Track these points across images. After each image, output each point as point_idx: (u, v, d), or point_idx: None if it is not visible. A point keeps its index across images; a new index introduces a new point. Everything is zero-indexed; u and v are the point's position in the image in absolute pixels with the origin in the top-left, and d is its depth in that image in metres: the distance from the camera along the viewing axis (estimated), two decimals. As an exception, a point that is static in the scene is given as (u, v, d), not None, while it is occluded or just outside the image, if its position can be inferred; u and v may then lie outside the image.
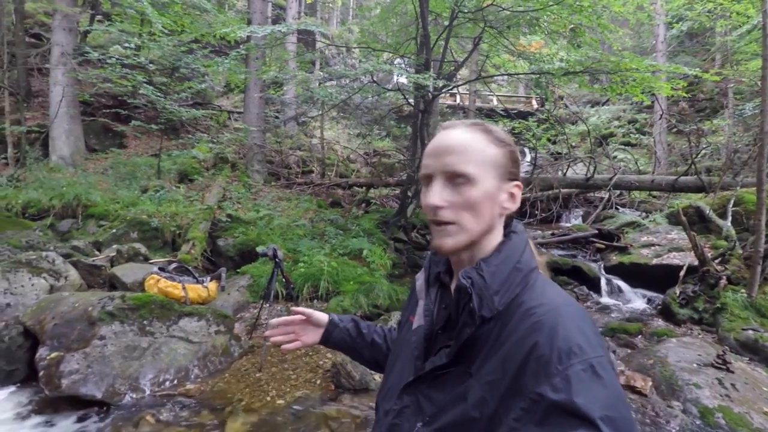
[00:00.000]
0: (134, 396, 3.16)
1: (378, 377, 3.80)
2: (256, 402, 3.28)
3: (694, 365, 3.71)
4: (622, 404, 0.61)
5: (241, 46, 8.07)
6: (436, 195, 0.75)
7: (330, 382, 3.63)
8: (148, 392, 3.23)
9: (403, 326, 0.96)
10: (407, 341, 0.87)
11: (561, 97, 15.99)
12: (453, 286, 0.83)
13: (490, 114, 15.50)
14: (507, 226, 0.82)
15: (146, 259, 5.75)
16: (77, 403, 2.99)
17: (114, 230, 6.22)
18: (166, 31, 8.41)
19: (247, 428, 2.93)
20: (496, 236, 0.80)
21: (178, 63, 8.87)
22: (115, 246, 5.70)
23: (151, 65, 8.58)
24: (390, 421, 0.81)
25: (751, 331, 4.27)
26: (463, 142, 0.76)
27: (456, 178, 0.75)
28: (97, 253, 5.74)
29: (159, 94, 8.33)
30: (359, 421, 3.06)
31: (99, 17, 11.02)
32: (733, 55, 11.39)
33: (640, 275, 6.45)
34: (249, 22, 10.41)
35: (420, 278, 0.92)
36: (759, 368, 3.86)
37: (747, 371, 3.73)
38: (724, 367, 3.59)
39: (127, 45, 7.93)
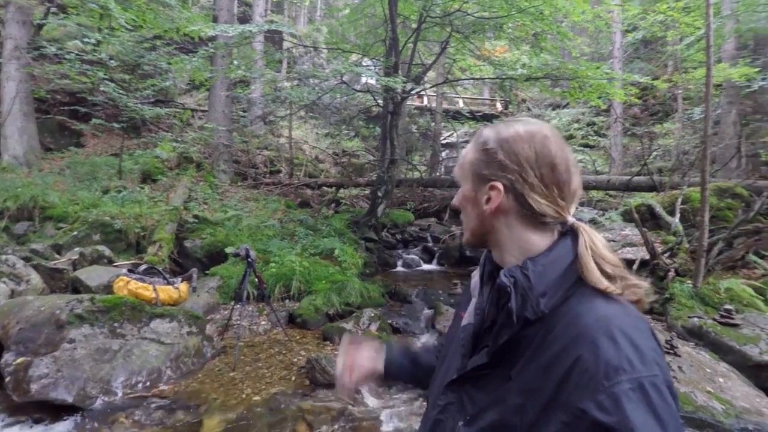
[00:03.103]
0: (106, 399, 3.12)
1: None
2: (231, 400, 3.30)
3: (646, 352, 4.00)
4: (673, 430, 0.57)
5: (209, 43, 7.94)
6: (456, 197, 0.86)
7: (305, 378, 3.69)
8: (120, 395, 3.19)
9: (454, 322, 0.95)
10: (456, 338, 0.86)
11: (524, 100, 16.56)
12: None
13: (456, 116, 15.84)
14: (564, 224, 0.77)
15: (110, 262, 5.60)
16: (48, 409, 2.93)
17: (75, 232, 6.01)
18: (128, 27, 8.19)
19: (224, 426, 2.96)
20: (530, 238, 0.76)
21: (141, 59, 8.64)
22: (77, 249, 5.52)
23: (111, 61, 8.32)
24: (435, 415, 0.81)
25: (696, 319, 4.62)
26: (464, 153, 0.85)
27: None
28: (57, 256, 5.54)
29: (120, 91, 8.10)
30: (335, 413, 3.14)
31: (54, 10, 10.55)
32: (682, 62, 12.17)
33: (597, 270, 6.80)
34: (214, 19, 10.25)
35: (475, 275, 0.90)
36: (703, 352, 4.18)
37: (693, 355, 4.05)
38: (671, 351, 3.89)
39: (87, 40, 7.66)
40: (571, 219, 0.77)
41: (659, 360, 0.62)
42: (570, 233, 0.75)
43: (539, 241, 0.75)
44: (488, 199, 0.77)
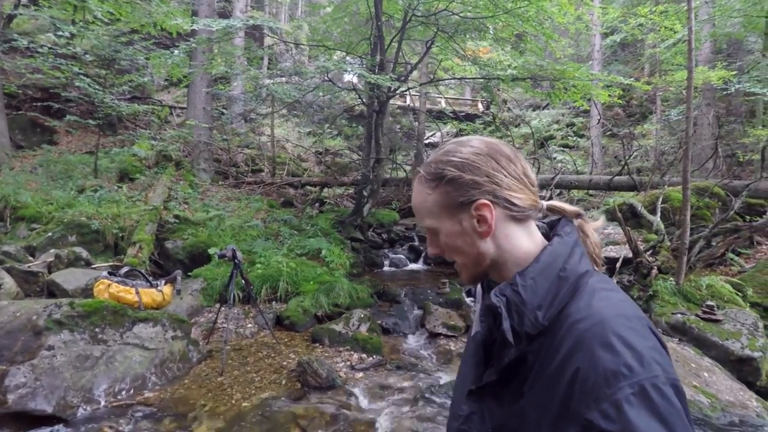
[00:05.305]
0: (88, 408, 2.98)
1: (343, 374, 3.83)
2: (220, 406, 3.20)
3: (634, 349, 4.05)
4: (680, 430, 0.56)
5: (191, 39, 7.73)
6: (429, 246, 0.81)
7: (296, 381, 3.61)
8: (103, 403, 3.05)
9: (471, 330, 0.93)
10: (469, 345, 0.86)
11: (505, 101, 16.71)
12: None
13: (439, 116, 15.87)
14: (554, 226, 0.78)
15: (88, 264, 5.38)
16: (26, 420, 2.78)
17: (49, 234, 5.76)
18: (104, 20, 7.90)
19: (214, 433, 2.87)
20: (523, 245, 0.75)
21: (117, 54, 8.35)
22: (53, 251, 5.29)
23: (86, 56, 8.02)
24: (458, 426, 0.79)
25: (679, 315, 4.72)
26: (415, 201, 0.81)
27: (430, 231, 0.79)
28: (31, 258, 5.31)
29: (96, 87, 7.81)
30: (328, 417, 3.08)
31: (25, 1, 10.12)
32: (661, 65, 12.46)
33: (581, 268, 6.89)
34: (194, 14, 10.00)
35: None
36: (687, 347, 4.27)
37: (677, 350, 4.12)
38: (658, 349, 3.96)
39: (60, 33, 7.36)
40: (542, 203, 0.79)
41: (659, 358, 0.60)
42: (556, 236, 0.75)
43: (525, 247, 0.75)
44: (479, 220, 0.74)
